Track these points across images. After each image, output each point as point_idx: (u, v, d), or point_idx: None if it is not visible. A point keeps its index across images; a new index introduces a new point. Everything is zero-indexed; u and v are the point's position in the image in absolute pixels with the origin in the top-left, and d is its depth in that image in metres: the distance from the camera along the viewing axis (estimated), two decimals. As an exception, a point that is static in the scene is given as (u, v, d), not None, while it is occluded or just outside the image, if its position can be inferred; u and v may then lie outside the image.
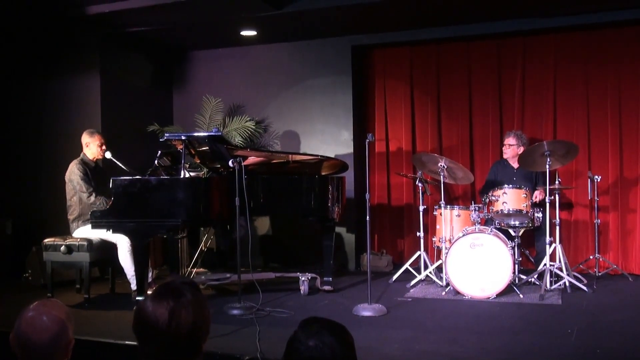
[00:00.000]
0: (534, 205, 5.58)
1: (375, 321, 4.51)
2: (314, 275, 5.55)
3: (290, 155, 5.78)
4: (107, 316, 4.82)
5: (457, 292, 5.23)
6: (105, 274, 5.87)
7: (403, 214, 7.10)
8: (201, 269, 6.28)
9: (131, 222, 4.81)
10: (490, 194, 5.56)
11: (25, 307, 1.99)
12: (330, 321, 1.62)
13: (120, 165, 5.47)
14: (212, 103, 7.13)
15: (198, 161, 5.81)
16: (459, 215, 5.70)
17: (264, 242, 7.31)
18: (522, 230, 5.64)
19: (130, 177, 4.93)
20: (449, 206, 5.78)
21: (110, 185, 4.85)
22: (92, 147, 5.48)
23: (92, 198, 5.26)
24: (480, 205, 5.61)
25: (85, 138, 5.51)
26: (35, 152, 6.74)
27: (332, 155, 6.40)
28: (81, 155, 5.49)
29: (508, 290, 5.17)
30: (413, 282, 5.73)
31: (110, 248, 5.24)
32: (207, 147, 5.31)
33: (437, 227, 5.82)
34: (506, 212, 5.43)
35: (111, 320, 4.67)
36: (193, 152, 5.44)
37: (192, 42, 7.35)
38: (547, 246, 5.34)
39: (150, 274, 5.24)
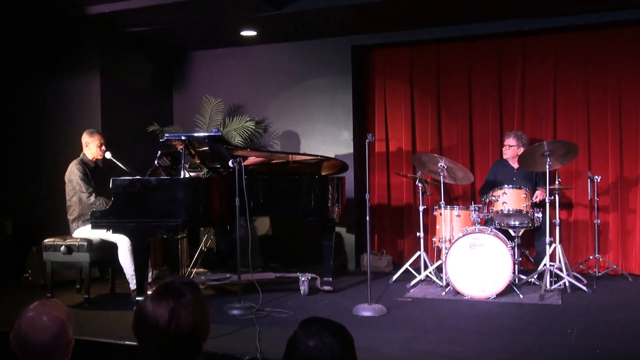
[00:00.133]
0: (534, 205, 5.58)
1: (375, 321, 4.51)
2: (314, 275, 5.55)
3: (290, 156, 5.78)
4: (107, 316, 4.81)
5: (457, 292, 5.23)
6: (105, 274, 5.87)
7: (403, 214, 7.10)
8: (201, 269, 6.27)
9: (131, 222, 4.81)
10: (490, 194, 5.56)
11: (25, 307, 1.99)
12: (330, 321, 1.62)
13: (120, 165, 5.47)
14: (212, 103, 7.13)
15: (198, 161, 5.81)
16: (459, 216, 5.70)
17: (264, 242, 7.31)
18: (522, 231, 5.64)
19: (130, 177, 4.93)
20: (448, 206, 5.78)
21: (110, 186, 4.85)
22: (92, 147, 5.48)
23: (92, 198, 5.26)
24: (480, 206, 5.60)
25: (85, 138, 5.51)
26: (35, 152, 6.74)
27: (332, 156, 6.40)
28: (81, 155, 5.49)
29: (508, 290, 5.17)
30: (413, 282, 5.73)
31: (110, 248, 5.24)
32: (207, 147, 5.31)
33: (437, 227, 5.82)
34: (506, 212, 5.43)
35: (111, 320, 4.67)
36: (193, 152, 5.44)
37: (192, 42, 7.35)
38: (547, 246, 5.34)
39: (150, 274, 5.24)
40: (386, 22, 6.46)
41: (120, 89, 6.87)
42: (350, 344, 1.60)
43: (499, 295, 5.12)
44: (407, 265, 5.97)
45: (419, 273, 5.79)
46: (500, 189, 5.50)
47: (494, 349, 3.77)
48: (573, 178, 6.41)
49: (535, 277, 5.40)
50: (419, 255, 5.87)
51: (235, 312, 4.68)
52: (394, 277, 5.96)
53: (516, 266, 5.40)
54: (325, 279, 5.68)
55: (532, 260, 6.19)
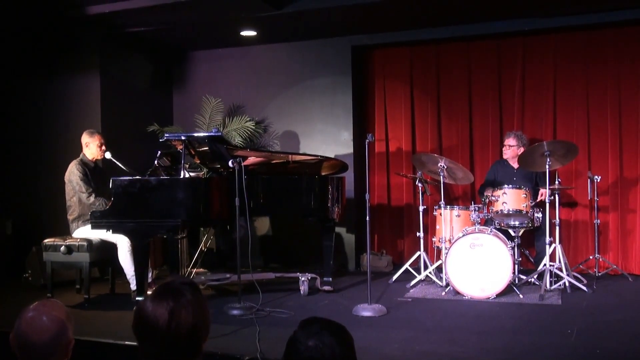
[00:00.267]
0: (534, 205, 5.57)
1: (375, 321, 4.51)
2: (314, 275, 5.55)
3: (290, 156, 5.78)
4: (107, 316, 4.81)
5: (457, 292, 5.23)
6: (105, 274, 5.87)
7: (403, 214, 7.10)
8: (201, 269, 6.27)
9: (131, 222, 4.81)
10: (490, 194, 5.56)
11: (25, 307, 1.99)
12: (330, 321, 1.62)
13: (120, 165, 5.47)
14: (212, 103, 7.13)
15: (198, 161, 5.81)
16: (458, 216, 5.70)
17: (264, 242, 7.31)
18: (522, 231, 5.63)
19: (130, 177, 4.93)
20: (448, 206, 5.78)
21: (110, 186, 4.85)
22: (91, 147, 5.48)
23: (92, 198, 5.25)
24: (480, 206, 5.60)
25: (85, 138, 5.51)
26: (35, 152, 6.74)
27: (332, 156, 6.40)
28: (81, 155, 5.49)
29: (508, 290, 5.17)
30: (413, 282, 5.73)
31: (110, 248, 5.24)
32: (207, 147, 5.31)
33: (437, 227, 5.82)
34: (506, 212, 5.43)
35: (111, 320, 4.67)
36: (193, 152, 5.44)
37: (192, 42, 7.35)
38: (547, 246, 5.34)
39: (150, 274, 5.24)
40: (386, 22, 6.46)
41: (120, 89, 6.87)
42: (350, 344, 1.60)
43: (499, 295, 5.12)
44: (407, 265, 5.97)
45: (419, 273, 5.79)
46: (500, 189, 5.50)
47: (494, 349, 3.77)
48: (573, 178, 6.41)
49: (535, 277, 5.40)
50: (419, 255, 5.87)
51: (235, 312, 4.68)
52: (394, 277, 5.96)
53: (516, 266, 5.40)
54: (325, 279, 5.68)
55: (532, 260, 6.19)
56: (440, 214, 5.74)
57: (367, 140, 4.84)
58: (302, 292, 5.43)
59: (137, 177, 4.99)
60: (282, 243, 7.30)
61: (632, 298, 5.24)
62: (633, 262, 6.27)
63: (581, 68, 6.45)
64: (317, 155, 5.87)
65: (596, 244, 5.96)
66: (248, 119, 7.08)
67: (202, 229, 6.53)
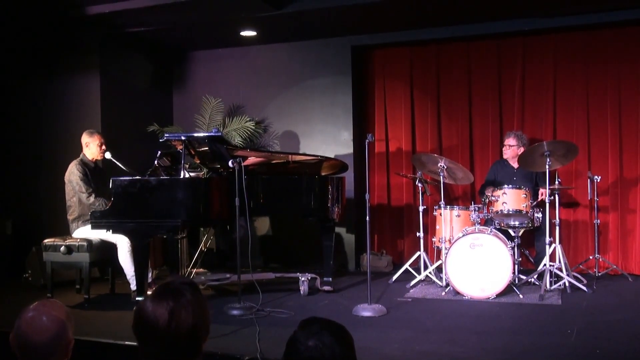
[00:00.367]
0: (534, 205, 5.57)
1: (375, 321, 4.51)
2: (313, 275, 5.55)
3: (290, 156, 5.78)
4: (107, 316, 4.81)
5: (457, 292, 5.23)
6: (105, 274, 5.87)
7: (403, 214, 7.10)
8: (201, 269, 6.27)
9: (131, 222, 4.81)
10: (490, 194, 5.56)
11: (25, 307, 1.99)
12: (330, 321, 1.62)
13: (120, 165, 5.47)
14: (212, 103, 7.13)
15: (198, 161, 5.81)
16: (458, 216, 5.69)
17: (264, 242, 7.31)
18: (521, 231, 5.63)
19: (130, 178, 4.93)
20: (448, 206, 5.78)
21: (110, 186, 4.85)
22: (91, 147, 5.48)
23: (92, 199, 5.25)
24: (480, 206, 5.60)
25: (85, 138, 5.51)
26: (35, 152, 6.74)
27: (332, 156, 6.40)
28: (81, 155, 5.49)
29: (508, 290, 5.17)
30: (413, 283, 5.73)
31: (110, 248, 5.24)
32: (207, 148, 5.31)
33: (437, 227, 5.82)
34: (506, 213, 5.43)
35: (111, 320, 4.67)
36: (193, 152, 5.44)
37: (192, 42, 7.35)
38: (547, 246, 5.34)
39: (150, 274, 5.24)
40: (386, 22, 6.46)
41: (120, 89, 6.87)
42: (350, 344, 1.60)
43: (499, 295, 5.12)
44: (407, 266, 5.97)
45: (419, 273, 5.79)
46: (500, 189, 5.50)
47: (494, 349, 3.77)
48: (573, 178, 6.41)
49: (535, 277, 5.40)
50: (419, 256, 5.87)
51: (235, 312, 4.68)
52: (394, 277, 5.96)
53: (516, 266, 5.40)
54: (325, 279, 5.68)
55: (532, 260, 6.19)
56: (440, 214, 5.74)
57: (367, 140, 4.84)
58: (302, 292, 5.43)
59: (137, 177, 4.99)
60: (282, 243, 7.30)
61: (632, 298, 5.24)
62: (633, 262, 6.27)
63: (581, 68, 6.45)
64: (317, 156, 5.87)
65: (596, 244, 5.96)
66: (248, 119, 7.08)
67: (202, 229, 6.53)
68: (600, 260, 6.04)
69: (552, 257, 5.41)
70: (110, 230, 4.92)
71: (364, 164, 5.07)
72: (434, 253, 6.12)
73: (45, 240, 5.22)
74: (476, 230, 5.28)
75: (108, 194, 5.05)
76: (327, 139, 7.08)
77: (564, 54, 6.52)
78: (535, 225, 5.55)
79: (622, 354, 3.69)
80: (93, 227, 4.91)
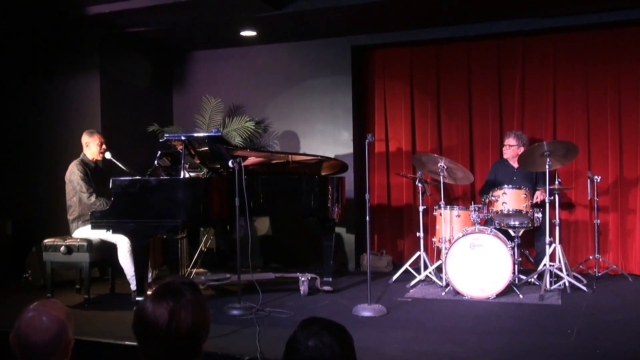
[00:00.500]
0: (534, 205, 5.58)
1: (375, 321, 4.51)
2: (313, 275, 5.55)
3: (290, 156, 5.78)
4: (107, 316, 4.81)
5: (457, 293, 5.23)
6: (105, 275, 5.87)
7: (403, 214, 7.10)
8: (201, 269, 6.28)
9: (131, 222, 4.81)
10: (490, 194, 5.56)
11: (25, 307, 1.99)
12: (330, 321, 1.62)
13: (120, 165, 5.47)
14: (212, 103, 7.14)
15: (198, 161, 5.81)
16: (458, 216, 5.69)
17: (264, 242, 7.31)
18: (521, 231, 5.63)
19: (130, 178, 4.93)
20: (448, 206, 5.78)
21: (110, 186, 4.86)
22: (92, 147, 5.48)
23: (92, 198, 5.26)
24: (480, 206, 5.60)
25: (85, 138, 5.51)
26: (35, 152, 6.74)
27: (332, 156, 6.40)
28: (81, 155, 5.49)
29: (508, 290, 5.17)
30: (413, 283, 5.73)
31: (110, 248, 5.23)
32: (207, 148, 5.31)
33: (437, 227, 5.82)
34: (506, 213, 5.43)
35: (111, 320, 4.67)
36: (193, 152, 5.44)
37: (192, 42, 7.35)
38: (547, 246, 5.34)
39: (150, 274, 5.24)
40: (386, 22, 6.46)
41: (120, 89, 6.87)
42: (350, 344, 1.60)
43: (499, 295, 5.12)
44: (407, 266, 5.97)
45: (419, 273, 5.79)
46: (500, 189, 5.50)
47: (494, 349, 3.77)
48: (573, 178, 6.41)
49: (535, 277, 5.40)
50: (419, 256, 5.87)
51: (235, 312, 4.68)
52: (394, 277, 5.96)
53: (516, 266, 5.40)
54: (325, 279, 5.68)
55: (532, 260, 6.18)
56: (440, 214, 5.74)
57: (367, 140, 4.84)
58: (302, 292, 5.43)
59: (137, 177, 4.99)
60: (282, 243, 7.30)
61: (632, 298, 5.23)
62: (633, 262, 6.27)
63: (581, 68, 6.46)
64: (317, 156, 5.87)
65: (596, 244, 5.96)
66: (248, 119, 7.08)
67: (202, 229, 6.53)
68: (600, 260, 6.04)
69: (552, 257, 5.41)
70: (110, 230, 4.92)
71: (364, 164, 5.07)
72: (434, 253, 6.12)
73: (45, 240, 5.22)
74: (476, 230, 5.28)
75: (108, 194, 5.05)
76: (327, 139, 7.08)
77: (564, 54, 6.52)
78: (535, 225, 5.55)
79: (622, 354, 3.69)
80: (93, 227, 4.91)
